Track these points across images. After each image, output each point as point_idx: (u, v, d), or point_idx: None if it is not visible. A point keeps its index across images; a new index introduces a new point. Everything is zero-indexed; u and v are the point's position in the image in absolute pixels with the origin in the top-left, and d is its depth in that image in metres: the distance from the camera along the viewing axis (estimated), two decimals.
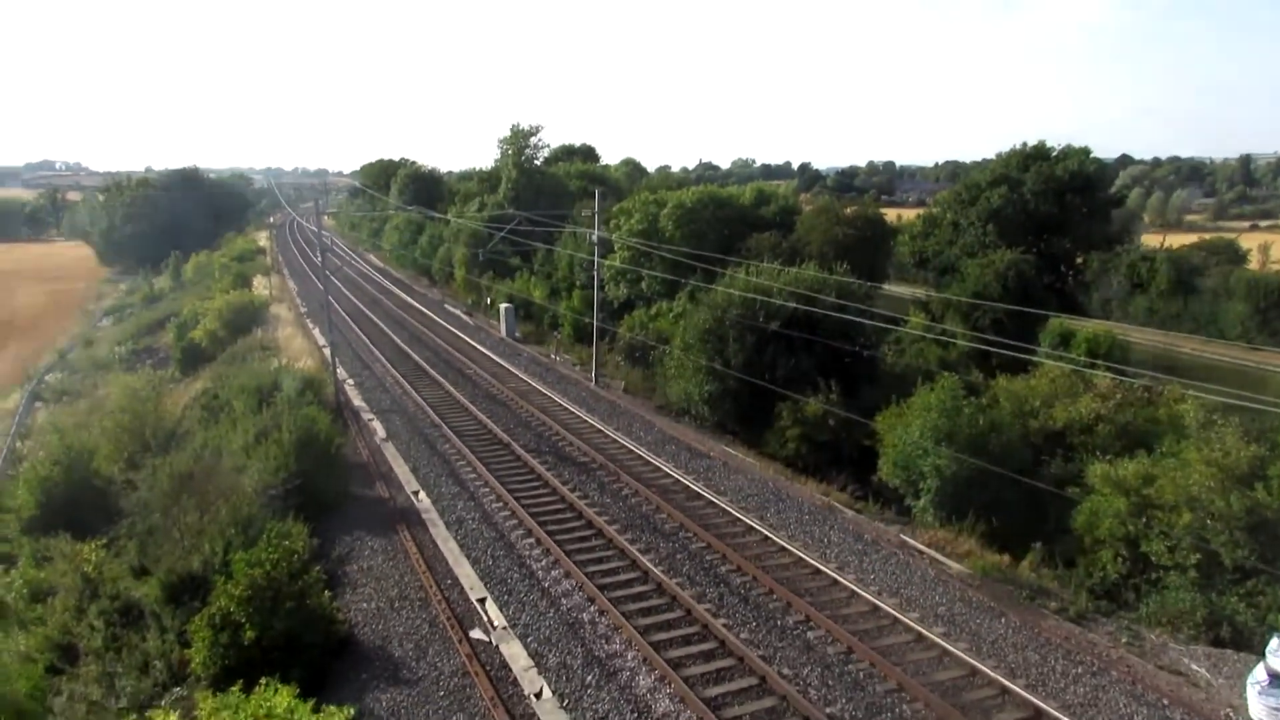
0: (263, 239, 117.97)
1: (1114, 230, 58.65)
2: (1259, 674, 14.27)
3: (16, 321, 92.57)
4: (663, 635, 16.83)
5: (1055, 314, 40.00)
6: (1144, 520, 20.00)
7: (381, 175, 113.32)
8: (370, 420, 32.44)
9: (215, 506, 22.87)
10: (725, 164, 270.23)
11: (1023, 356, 30.20)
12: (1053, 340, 35.96)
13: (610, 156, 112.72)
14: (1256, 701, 13.99)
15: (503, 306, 49.43)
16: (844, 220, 48.78)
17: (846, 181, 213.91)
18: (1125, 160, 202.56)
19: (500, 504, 23.78)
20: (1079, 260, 56.91)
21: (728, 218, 47.66)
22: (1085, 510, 21.33)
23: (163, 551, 23.37)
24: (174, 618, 19.17)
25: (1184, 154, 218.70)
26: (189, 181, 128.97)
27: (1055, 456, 24.17)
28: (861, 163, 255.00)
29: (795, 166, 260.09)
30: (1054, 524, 22.26)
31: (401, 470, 26.80)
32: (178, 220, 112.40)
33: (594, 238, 39.18)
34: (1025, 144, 57.24)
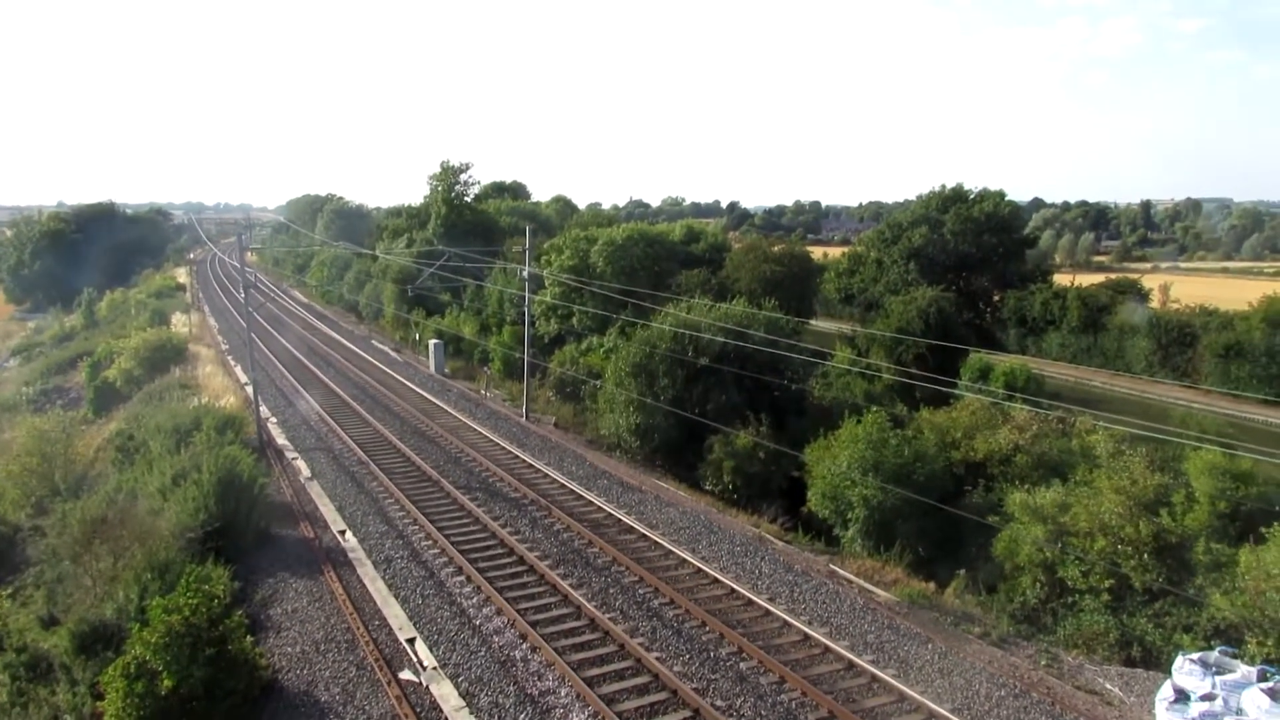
0: (182, 275, 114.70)
1: (1028, 269, 61.32)
2: (1166, 691, 14.94)
3: None
4: (596, 670, 16.77)
5: (974, 349, 41.42)
6: (1060, 546, 20.77)
7: (307, 210, 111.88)
8: (295, 459, 31.70)
9: (130, 552, 22.09)
10: (656, 202, 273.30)
11: (945, 390, 31.25)
12: (973, 374, 37.20)
13: (541, 193, 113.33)
14: (1165, 716, 14.61)
15: (432, 343, 49.11)
16: (772, 258, 49.93)
17: (774, 220, 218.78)
18: (1037, 203, 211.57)
19: (430, 542, 23.46)
20: (996, 297, 59.30)
21: (658, 254, 48.29)
22: (1005, 538, 22.05)
23: (73, 600, 22.48)
24: (86, 669, 18.38)
25: (1091, 199, 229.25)
26: (104, 217, 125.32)
27: (976, 486, 24.98)
28: (788, 202, 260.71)
29: (724, 205, 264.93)
30: (976, 551, 22.95)
31: (327, 509, 26.24)
32: (91, 256, 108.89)
33: (524, 274, 39.20)
34: (944, 186, 59.70)
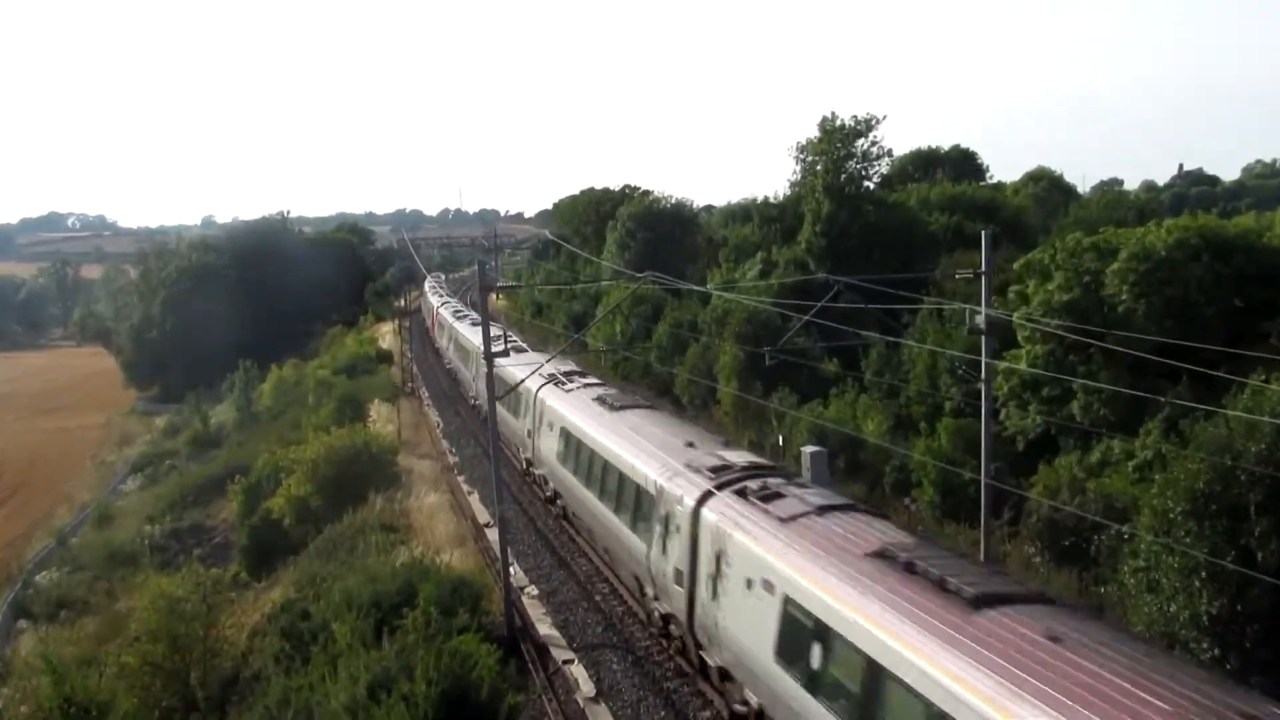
0: (387, 335, 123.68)
1: None
2: None
3: None
4: None
5: None
6: None
7: (587, 217, 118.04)
8: (568, 662, 32.99)
9: None
10: (1231, 172, 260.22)
11: None
12: None
13: (1004, 168, 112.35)
14: None
15: (808, 450, 48.92)
16: None
17: None
18: None
19: None
20: None
21: (1241, 274, 45.81)
22: None
23: None
24: None
25: None
26: (270, 241, 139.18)
27: None
28: None
29: None
30: None
31: None
32: (251, 307, 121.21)
33: (980, 320, 38.49)
34: None
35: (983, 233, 40.62)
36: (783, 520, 25.13)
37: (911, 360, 52.20)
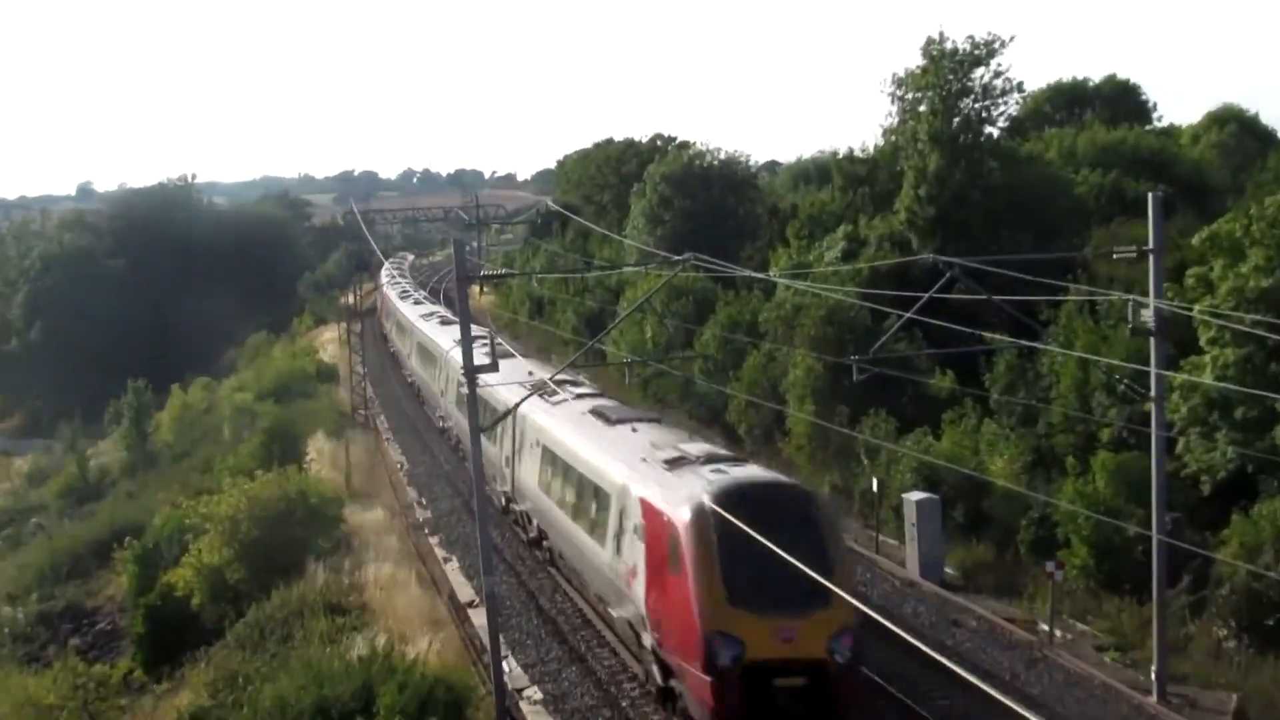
0: (330, 343, 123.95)
1: None
2: None
3: None
4: None
5: None
6: None
7: (605, 179, 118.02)
8: None
9: None
10: None
11: None
12: None
13: (1178, 106, 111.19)
14: None
15: (912, 498, 49.38)
16: None
17: None
18: None
19: None
20: None
21: None
22: None
23: None
24: None
25: None
26: (169, 217, 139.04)
27: None
28: None
29: None
30: None
31: None
32: (144, 306, 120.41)
33: (1148, 315, 37.35)
34: None
35: (1150, 195, 40.66)
36: (553, 404, 51.61)
37: (1054, 372, 51.63)
